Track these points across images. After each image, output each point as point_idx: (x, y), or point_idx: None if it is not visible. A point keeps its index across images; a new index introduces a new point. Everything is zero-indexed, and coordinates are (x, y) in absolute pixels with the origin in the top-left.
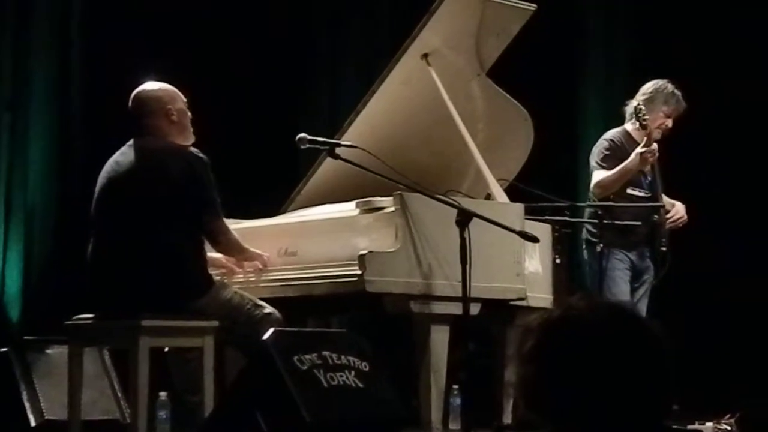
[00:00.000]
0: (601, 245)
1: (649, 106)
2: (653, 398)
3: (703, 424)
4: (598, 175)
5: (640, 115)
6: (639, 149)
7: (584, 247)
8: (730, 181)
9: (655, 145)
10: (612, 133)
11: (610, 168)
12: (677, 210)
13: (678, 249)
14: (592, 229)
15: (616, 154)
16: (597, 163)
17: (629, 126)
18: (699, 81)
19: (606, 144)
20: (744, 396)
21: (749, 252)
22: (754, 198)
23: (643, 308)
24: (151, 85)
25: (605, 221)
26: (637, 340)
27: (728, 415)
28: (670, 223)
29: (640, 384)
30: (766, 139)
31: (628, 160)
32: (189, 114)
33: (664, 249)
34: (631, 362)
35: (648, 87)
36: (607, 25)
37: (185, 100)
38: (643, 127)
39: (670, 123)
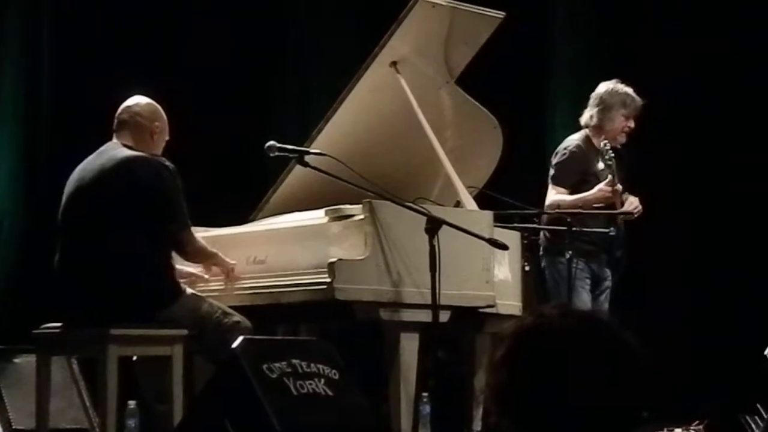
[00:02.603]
0: (570, 253)
1: (608, 114)
2: (625, 406)
3: (672, 430)
4: (555, 196)
5: (606, 157)
6: (602, 185)
7: (542, 254)
8: (690, 181)
9: (619, 186)
10: (575, 141)
11: (564, 185)
12: (631, 202)
13: (639, 253)
14: (554, 238)
15: (576, 166)
16: (554, 175)
17: (590, 133)
18: (662, 83)
19: (567, 155)
20: (712, 402)
21: (715, 253)
22: (711, 202)
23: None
24: (144, 100)
25: (574, 229)
26: (610, 348)
27: (696, 422)
28: (625, 215)
29: (612, 392)
30: (732, 136)
31: (590, 193)
32: (167, 136)
33: (618, 254)
34: (603, 370)
35: (601, 93)
36: (575, 31)
37: (168, 135)
38: (608, 166)
39: (632, 123)
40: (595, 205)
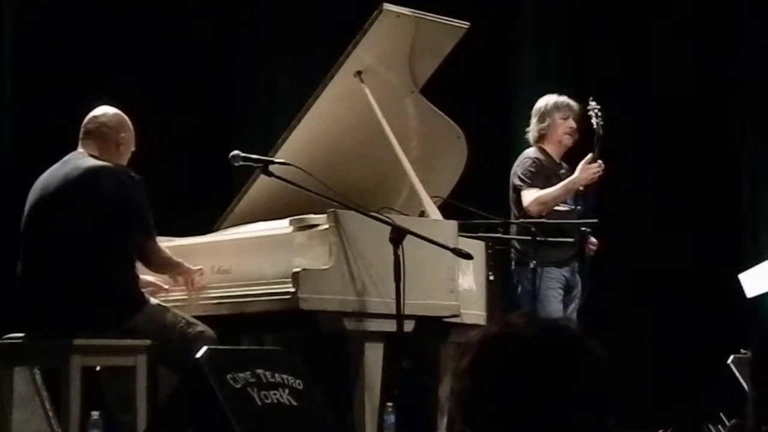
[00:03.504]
0: (534, 263)
1: (547, 121)
2: (591, 415)
3: None
4: (535, 193)
5: (596, 120)
6: (584, 163)
7: (513, 266)
8: (656, 188)
9: (600, 162)
10: (533, 152)
11: (538, 185)
12: (594, 242)
13: (606, 262)
14: (521, 247)
15: (542, 171)
16: (524, 180)
17: (542, 145)
18: (629, 92)
19: (530, 162)
20: (676, 410)
21: (681, 262)
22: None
23: (573, 323)
24: (111, 110)
25: (539, 238)
26: (575, 357)
27: (661, 430)
28: (592, 174)
29: (577, 401)
30: (694, 140)
31: (573, 176)
32: (133, 147)
33: (589, 263)
34: (569, 379)
35: (537, 107)
36: (541, 41)
37: (134, 146)
38: (595, 132)
39: (573, 123)
40: (560, 208)
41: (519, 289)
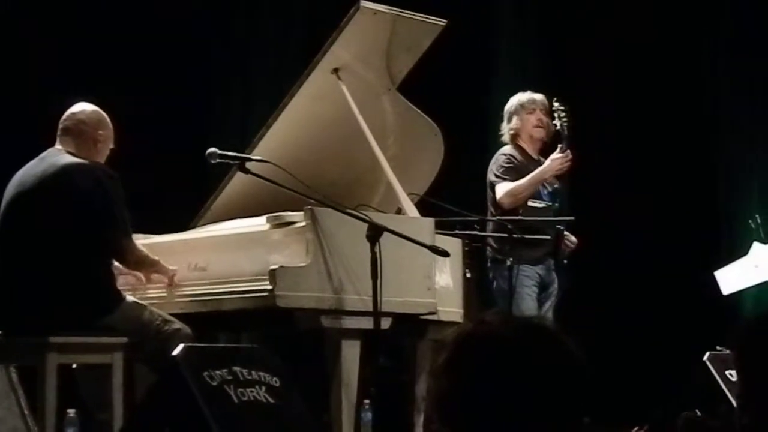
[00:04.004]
0: (511, 260)
1: (514, 119)
2: (566, 412)
3: None
4: (506, 186)
5: (559, 116)
6: (554, 155)
7: (489, 264)
8: (635, 184)
9: (569, 153)
10: (508, 149)
11: (513, 180)
12: (573, 242)
13: (582, 257)
14: (497, 245)
15: (516, 167)
16: (498, 176)
17: (517, 142)
18: (605, 91)
19: (505, 158)
20: (652, 407)
21: (657, 259)
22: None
23: (548, 320)
24: (90, 107)
25: (515, 236)
26: (551, 355)
27: (637, 428)
28: (560, 165)
29: (553, 398)
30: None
31: (542, 167)
32: (112, 145)
33: (565, 261)
34: (544, 377)
35: (506, 111)
36: (518, 38)
37: (113, 144)
38: (561, 129)
39: (540, 115)
40: (536, 205)
41: (494, 286)
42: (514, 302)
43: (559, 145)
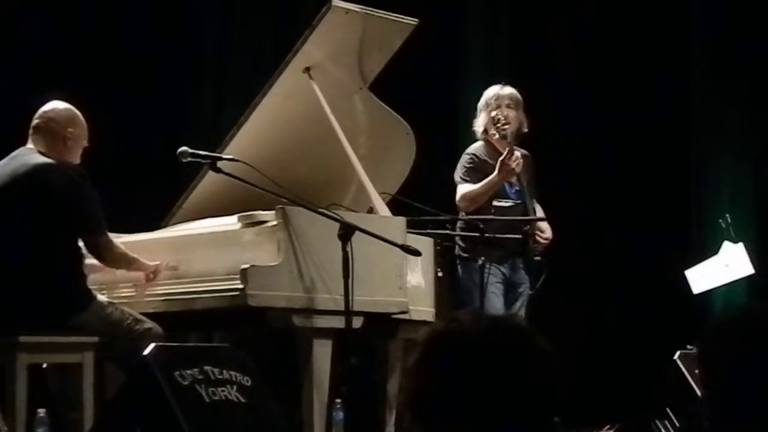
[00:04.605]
0: (482, 259)
1: (481, 117)
2: (537, 411)
3: None
4: (462, 189)
5: (498, 126)
6: (500, 160)
7: (458, 262)
8: (604, 184)
9: (517, 154)
10: (474, 148)
11: (473, 182)
12: (543, 230)
13: (553, 255)
14: (465, 244)
15: (478, 167)
16: (461, 177)
17: (488, 138)
18: (576, 88)
19: (468, 158)
20: (623, 406)
21: (628, 258)
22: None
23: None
24: (60, 105)
25: (486, 235)
26: (522, 353)
27: (608, 426)
28: (509, 170)
29: (524, 397)
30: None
31: (493, 175)
32: (85, 143)
33: (538, 258)
34: (516, 375)
35: (478, 106)
36: (488, 38)
37: (86, 144)
38: (503, 137)
39: (504, 111)
40: (503, 204)
41: (462, 284)
42: (478, 301)
43: (506, 150)
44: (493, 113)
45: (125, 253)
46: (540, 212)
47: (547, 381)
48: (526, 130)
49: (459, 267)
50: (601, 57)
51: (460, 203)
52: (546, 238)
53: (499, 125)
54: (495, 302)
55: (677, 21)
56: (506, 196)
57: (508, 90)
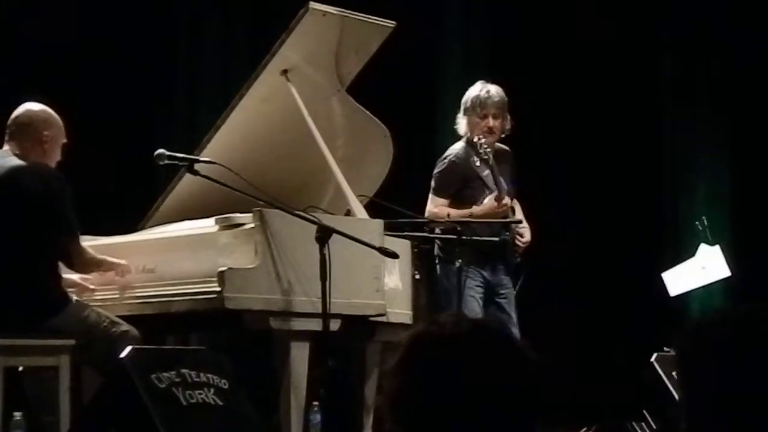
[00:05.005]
0: (460, 261)
1: (465, 118)
2: (517, 413)
3: None
4: (431, 207)
5: (481, 151)
6: (489, 200)
7: (437, 263)
8: (582, 186)
9: (507, 199)
10: (455, 150)
11: (444, 195)
12: (522, 234)
13: (529, 259)
14: (445, 246)
15: (456, 176)
16: (433, 187)
17: (467, 138)
18: (553, 91)
19: (446, 165)
20: (600, 408)
21: (605, 260)
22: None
23: (512, 321)
24: (35, 107)
25: (464, 237)
26: (501, 355)
27: (585, 428)
28: (518, 245)
29: (503, 399)
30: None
31: (477, 209)
32: (63, 140)
33: (518, 260)
34: (495, 377)
35: (463, 101)
36: (466, 40)
37: (65, 140)
38: (484, 162)
39: (491, 121)
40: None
41: (440, 287)
42: (457, 303)
43: (495, 194)
44: (482, 122)
45: (93, 257)
46: (519, 211)
47: (526, 383)
48: (509, 128)
49: (438, 268)
50: (576, 58)
51: (428, 216)
52: (525, 242)
53: (481, 151)
54: (473, 305)
55: (650, 18)
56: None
57: (493, 94)
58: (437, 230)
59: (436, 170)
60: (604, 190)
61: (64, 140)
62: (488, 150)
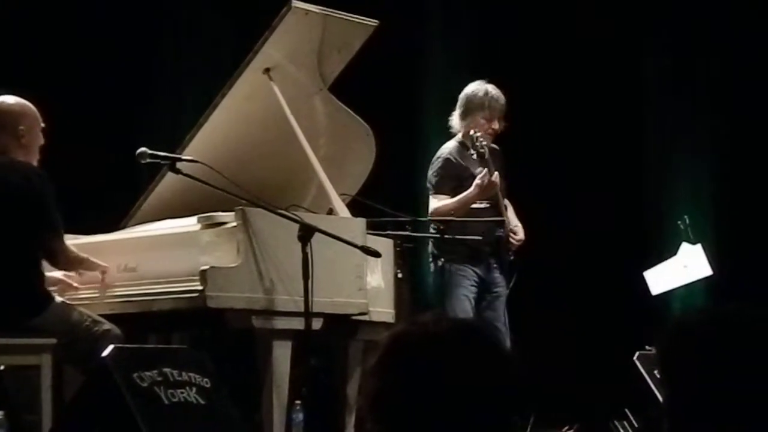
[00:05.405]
0: (442, 260)
1: (469, 117)
2: (496, 411)
3: None
4: (435, 203)
5: (476, 144)
6: (477, 180)
7: (431, 261)
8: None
9: (496, 174)
10: (448, 150)
11: (445, 192)
12: (515, 232)
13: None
14: (439, 244)
15: (452, 174)
16: (433, 187)
17: (463, 137)
18: (538, 89)
19: (441, 164)
20: (582, 407)
21: (588, 260)
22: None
23: (502, 320)
24: (9, 99)
25: (446, 236)
26: (481, 354)
27: (567, 427)
28: (488, 190)
29: (483, 397)
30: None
31: (468, 192)
32: (41, 139)
33: (511, 258)
34: (475, 376)
35: (465, 95)
36: (449, 39)
37: (42, 125)
38: (480, 156)
39: (496, 125)
40: (476, 205)
41: (434, 286)
42: (448, 303)
43: (485, 170)
44: (488, 124)
45: (76, 255)
46: (511, 210)
47: (506, 382)
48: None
49: (431, 266)
50: (558, 57)
51: (433, 215)
52: (519, 239)
53: (477, 144)
54: (464, 305)
55: (632, 18)
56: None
57: (502, 97)
58: (432, 229)
59: (431, 170)
60: (586, 188)
61: (42, 124)
62: (485, 144)
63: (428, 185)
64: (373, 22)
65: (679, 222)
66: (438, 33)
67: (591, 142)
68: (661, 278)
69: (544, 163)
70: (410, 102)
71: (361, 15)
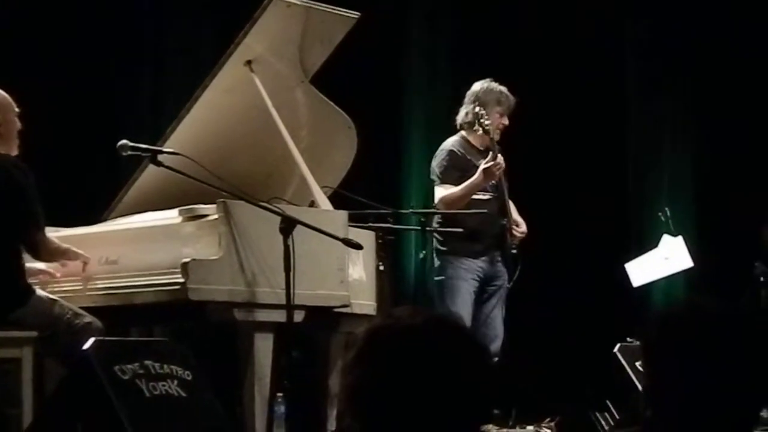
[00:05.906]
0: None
1: (487, 110)
2: (473, 404)
3: (524, 427)
4: (441, 192)
5: (482, 121)
6: (483, 165)
7: (434, 255)
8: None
9: (500, 158)
10: (451, 143)
11: (451, 182)
12: (519, 223)
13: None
14: (441, 238)
15: (457, 165)
16: (438, 177)
17: (466, 133)
18: (521, 87)
19: (446, 156)
20: (563, 399)
21: (568, 254)
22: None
23: (499, 313)
24: None
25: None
26: (455, 347)
27: (548, 419)
28: (493, 174)
29: (458, 391)
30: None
31: (474, 177)
32: (18, 125)
33: (514, 251)
34: (450, 369)
35: (477, 90)
36: (430, 32)
37: (17, 110)
38: (486, 132)
39: (506, 120)
40: (480, 197)
41: (437, 279)
42: (447, 295)
43: (491, 154)
44: (500, 120)
45: (58, 246)
46: (513, 208)
47: (480, 375)
48: None
49: (435, 260)
50: (541, 55)
51: (439, 206)
52: (522, 232)
53: (482, 121)
54: (465, 297)
55: (611, 14)
56: (484, 189)
57: (512, 97)
58: (435, 223)
59: (435, 162)
60: (567, 181)
61: (19, 126)
62: (497, 131)
63: (433, 176)
64: (355, 14)
65: (660, 214)
66: (420, 26)
67: (573, 137)
68: (642, 270)
69: (526, 158)
70: (392, 94)
71: (343, 7)
